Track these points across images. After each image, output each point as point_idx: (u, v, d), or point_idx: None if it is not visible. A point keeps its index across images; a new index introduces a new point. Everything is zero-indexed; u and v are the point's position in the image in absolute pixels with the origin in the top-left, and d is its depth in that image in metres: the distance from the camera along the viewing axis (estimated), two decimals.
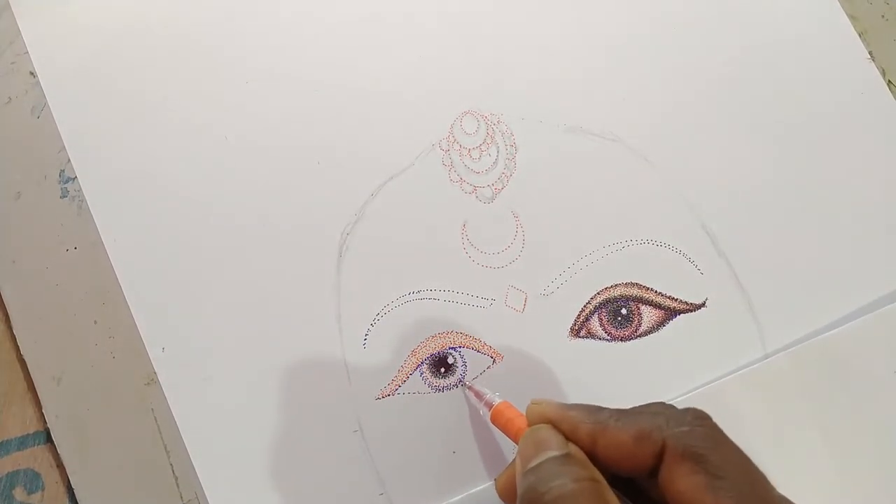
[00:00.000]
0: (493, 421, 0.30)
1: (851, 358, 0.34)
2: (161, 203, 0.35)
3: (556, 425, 0.25)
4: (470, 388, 0.33)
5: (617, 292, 0.36)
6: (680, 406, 0.24)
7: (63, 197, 0.35)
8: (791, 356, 0.34)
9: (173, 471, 0.32)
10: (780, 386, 0.34)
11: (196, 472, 0.32)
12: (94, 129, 0.35)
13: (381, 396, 0.33)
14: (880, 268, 0.37)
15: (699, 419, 0.23)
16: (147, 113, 0.36)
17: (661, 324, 0.35)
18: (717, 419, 0.24)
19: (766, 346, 0.35)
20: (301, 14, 0.38)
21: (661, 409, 0.24)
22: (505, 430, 0.29)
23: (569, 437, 0.25)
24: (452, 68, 0.38)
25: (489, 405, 0.30)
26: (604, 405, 0.25)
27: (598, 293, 0.35)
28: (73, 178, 0.35)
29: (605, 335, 0.35)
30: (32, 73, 0.36)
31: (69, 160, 0.35)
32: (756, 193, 0.37)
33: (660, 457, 0.23)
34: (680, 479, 0.22)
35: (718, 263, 0.36)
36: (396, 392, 0.33)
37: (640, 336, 0.35)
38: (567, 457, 0.24)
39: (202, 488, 0.32)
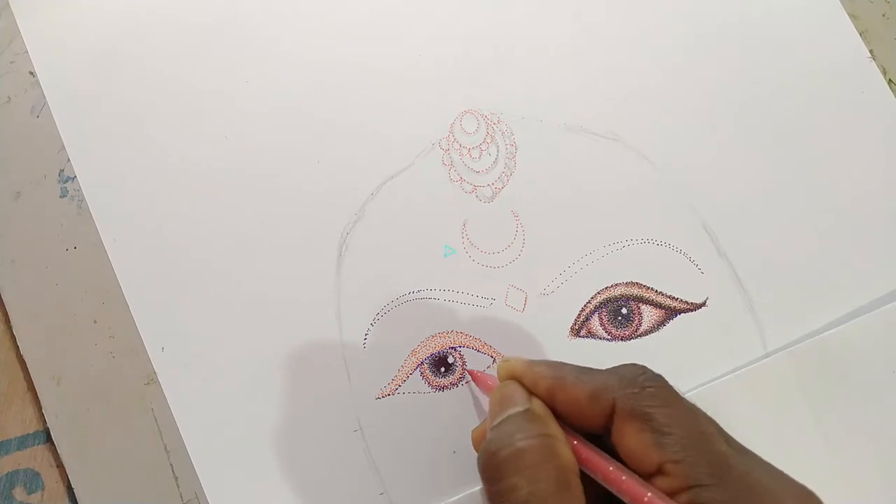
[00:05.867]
0: (479, 385, 0.32)
1: (851, 358, 0.34)
2: (161, 203, 0.35)
3: (521, 381, 0.26)
4: (470, 372, 0.33)
5: (617, 292, 0.36)
6: None
7: (63, 196, 0.35)
8: (791, 356, 0.34)
9: (173, 471, 0.32)
10: (780, 386, 0.34)
11: (196, 472, 0.32)
12: (93, 129, 0.35)
13: (381, 396, 0.33)
14: (880, 268, 0.37)
15: (650, 380, 0.24)
16: (146, 112, 0.36)
17: (661, 323, 0.35)
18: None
19: (766, 346, 0.35)
20: (301, 14, 0.38)
21: (616, 370, 0.25)
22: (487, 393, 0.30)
23: (532, 393, 0.26)
24: (452, 68, 0.38)
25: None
26: None
27: (598, 293, 0.35)
28: (73, 178, 0.35)
29: (605, 335, 0.35)
30: (32, 73, 0.36)
31: (69, 160, 0.35)
32: (756, 193, 0.37)
33: (611, 416, 0.24)
34: (628, 436, 0.23)
35: (719, 263, 0.36)
36: (396, 392, 0.33)
37: (640, 336, 0.35)
38: (527, 412, 0.24)
39: (202, 488, 0.32)
